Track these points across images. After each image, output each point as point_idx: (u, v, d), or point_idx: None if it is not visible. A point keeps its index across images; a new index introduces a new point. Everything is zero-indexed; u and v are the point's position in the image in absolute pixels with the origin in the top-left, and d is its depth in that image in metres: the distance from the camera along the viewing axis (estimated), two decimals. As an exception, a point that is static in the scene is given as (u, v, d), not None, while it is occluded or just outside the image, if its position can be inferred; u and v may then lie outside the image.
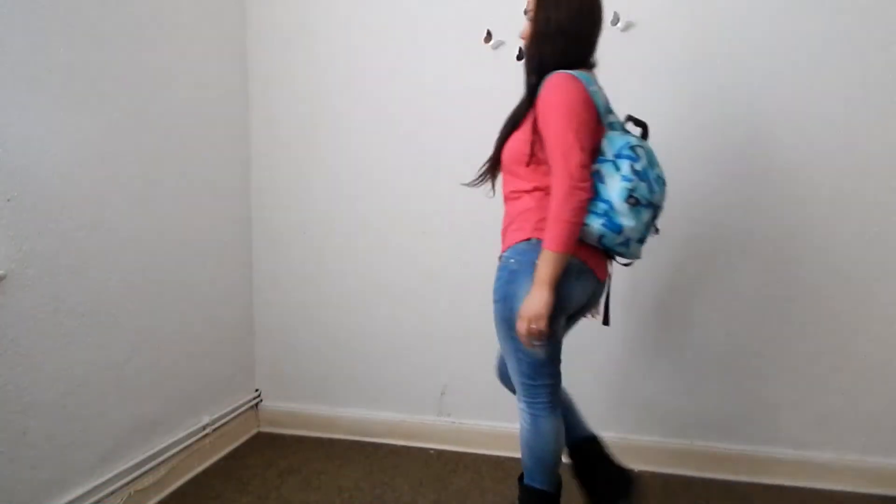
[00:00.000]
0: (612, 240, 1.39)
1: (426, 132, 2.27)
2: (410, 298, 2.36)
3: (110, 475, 1.78)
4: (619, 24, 2.05)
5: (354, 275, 2.41)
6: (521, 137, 1.48)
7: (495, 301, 1.49)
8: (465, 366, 2.31)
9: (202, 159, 2.19)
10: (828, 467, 2.04)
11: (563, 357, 2.22)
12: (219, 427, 2.27)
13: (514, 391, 1.70)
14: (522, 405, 1.56)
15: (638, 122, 1.55)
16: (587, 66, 1.53)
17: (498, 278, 1.50)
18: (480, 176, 1.64)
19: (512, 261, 1.46)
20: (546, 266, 1.35)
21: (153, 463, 1.95)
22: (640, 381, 2.17)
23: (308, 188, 2.42)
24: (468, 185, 1.67)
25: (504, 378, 1.74)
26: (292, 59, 2.39)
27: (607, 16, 2.04)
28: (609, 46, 2.08)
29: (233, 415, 2.37)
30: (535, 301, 1.36)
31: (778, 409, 2.08)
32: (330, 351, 2.46)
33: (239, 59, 2.40)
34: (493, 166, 1.61)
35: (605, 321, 1.63)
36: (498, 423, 2.29)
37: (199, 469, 2.17)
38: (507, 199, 1.57)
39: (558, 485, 1.63)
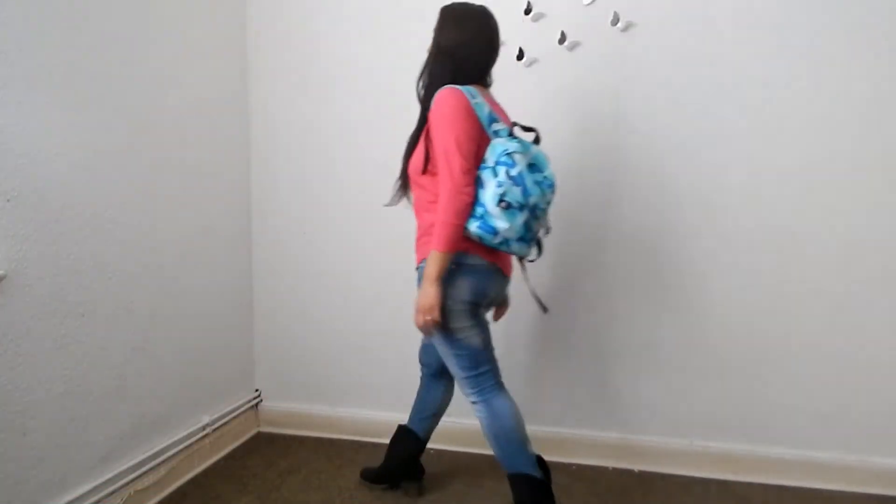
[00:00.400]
0: (490, 240, 1.53)
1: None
2: (410, 298, 2.34)
3: (110, 475, 1.78)
4: (619, 24, 2.05)
5: (354, 274, 2.41)
6: (419, 149, 1.63)
7: None
8: (465, 366, 2.31)
9: (202, 159, 2.19)
10: (828, 467, 2.04)
11: (561, 357, 2.23)
12: (219, 427, 2.27)
13: (428, 373, 1.98)
14: (473, 398, 1.69)
15: (527, 129, 1.65)
16: (482, 85, 1.68)
17: (419, 288, 1.61)
18: (396, 193, 1.79)
19: None
20: (433, 264, 1.53)
21: (153, 463, 1.95)
22: (639, 381, 2.18)
23: (308, 188, 2.42)
24: (386, 205, 1.80)
25: (424, 359, 1.98)
26: (293, 58, 2.39)
27: (608, 16, 2.06)
28: (609, 46, 2.10)
29: (233, 415, 2.37)
30: (426, 296, 1.55)
31: (778, 408, 2.08)
32: (330, 351, 2.46)
33: (239, 58, 2.40)
34: (405, 182, 1.75)
35: (544, 310, 1.85)
36: (498, 423, 2.29)
37: (199, 469, 2.17)
38: (417, 211, 1.72)
39: (545, 470, 1.73)
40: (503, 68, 2.16)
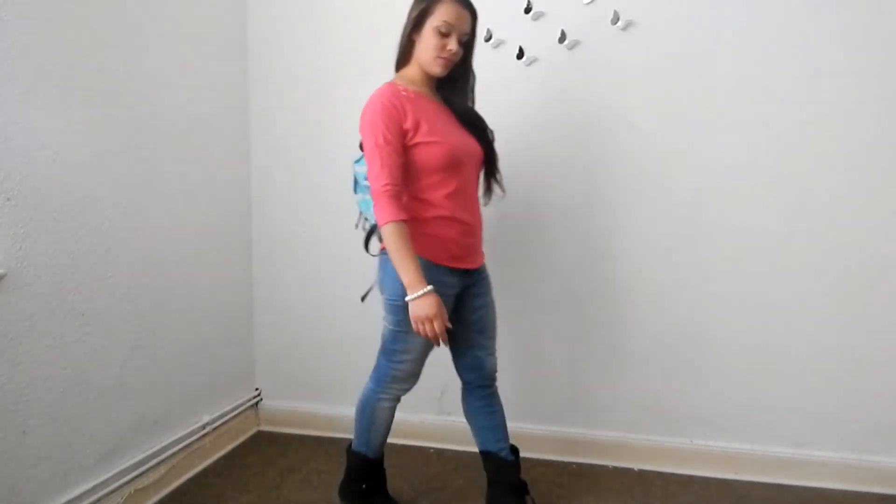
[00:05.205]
0: None
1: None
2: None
3: (110, 474, 1.79)
4: (619, 23, 2.05)
5: (354, 273, 2.40)
6: None
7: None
8: (465, 365, 2.31)
9: (202, 159, 2.19)
10: (828, 467, 2.04)
11: (561, 355, 2.21)
12: (219, 426, 2.28)
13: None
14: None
15: None
16: None
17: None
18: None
19: None
20: None
21: (153, 462, 1.95)
22: (639, 379, 2.18)
23: (308, 188, 2.42)
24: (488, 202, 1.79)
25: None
26: (292, 58, 2.39)
27: (608, 14, 2.06)
28: (609, 45, 2.10)
29: (233, 413, 2.37)
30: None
31: (778, 408, 2.08)
32: (330, 350, 2.46)
33: (239, 58, 2.40)
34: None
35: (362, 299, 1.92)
36: (498, 423, 2.29)
37: (199, 468, 2.17)
38: (476, 201, 1.72)
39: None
40: (503, 67, 2.18)
